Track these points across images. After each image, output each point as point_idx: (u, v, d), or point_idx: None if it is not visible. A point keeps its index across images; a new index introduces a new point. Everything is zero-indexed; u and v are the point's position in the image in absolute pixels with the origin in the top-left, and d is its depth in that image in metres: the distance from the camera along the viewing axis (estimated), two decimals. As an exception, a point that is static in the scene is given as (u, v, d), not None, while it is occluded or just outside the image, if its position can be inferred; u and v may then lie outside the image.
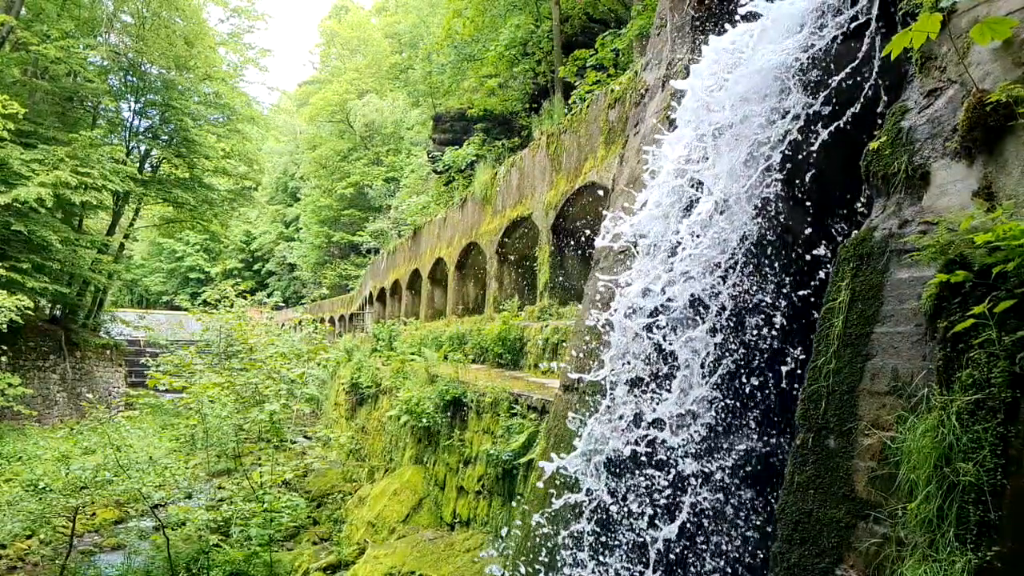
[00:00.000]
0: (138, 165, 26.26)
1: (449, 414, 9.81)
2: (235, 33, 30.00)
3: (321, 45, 60.95)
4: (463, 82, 23.42)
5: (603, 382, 4.72)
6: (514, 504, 7.24)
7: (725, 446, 4.34)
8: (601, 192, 9.70)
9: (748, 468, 4.31)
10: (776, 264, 4.38)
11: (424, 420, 10.08)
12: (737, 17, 4.53)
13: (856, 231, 3.27)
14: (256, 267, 63.27)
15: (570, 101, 13.94)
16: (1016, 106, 2.64)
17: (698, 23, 5.74)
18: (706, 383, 4.29)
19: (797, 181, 4.26)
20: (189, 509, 10.54)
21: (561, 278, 11.52)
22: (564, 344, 8.87)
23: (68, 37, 21.98)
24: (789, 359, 4.19)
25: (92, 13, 24.12)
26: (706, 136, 4.41)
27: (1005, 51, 2.77)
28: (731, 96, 4.27)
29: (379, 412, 14.46)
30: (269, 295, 22.91)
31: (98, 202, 21.89)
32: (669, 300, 4.41)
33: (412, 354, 13.59)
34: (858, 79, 3.72)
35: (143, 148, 27.99)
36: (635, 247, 4.81)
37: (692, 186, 4.53)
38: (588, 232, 11.16)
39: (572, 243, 11.61)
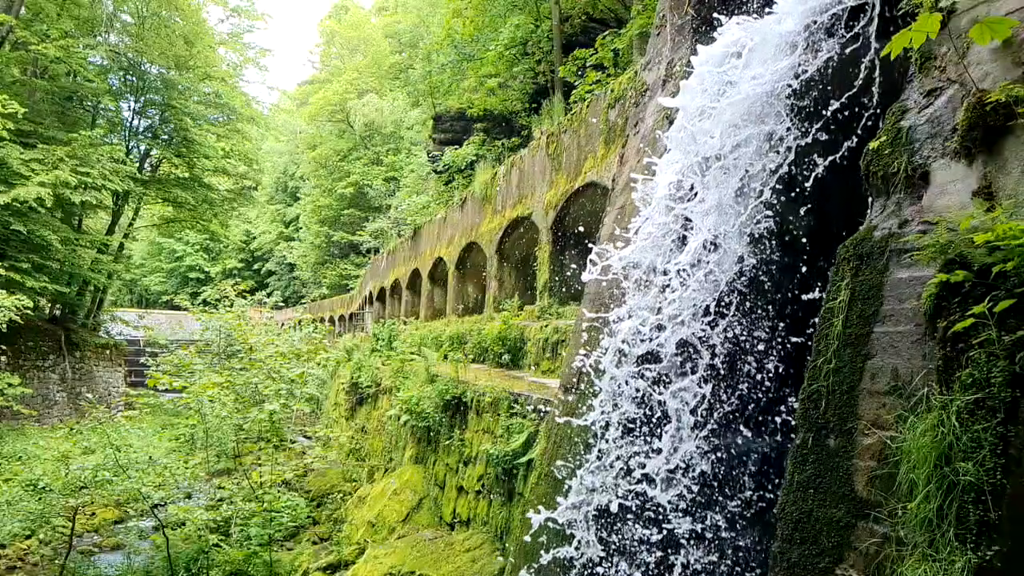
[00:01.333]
0: (138, 165, 26.25)
1: (449, 414, 9.81)
2: (235, 33, 30.03)
3: (321, 45, 60.95)
4: (463, 82, 23.41)
5: (593, 427, 4.48)
6: (514, 503, 7.24)
7: (720, 500, 4.10)
8: (602, 192, 9.70)
9: (743, 522, 4.11)
10: (770, 307, 4.16)
11: (424, 420, 10.07)
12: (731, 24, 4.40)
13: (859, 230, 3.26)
14: (256, 267, 63.26)
15: (570, 101, 13.94)
16: (1016, 106, 2.64)
17: (698, 23, 5.74)
18: (695, 436, 4.06)
19: (791, 217, 4.05)
20: (189, 509, 10.54)
21: (561, 278, 11.51)
22: (564, 344, 8.87)
23: (68, 37, 21.96)
24: (784, 408, 3.97)
25: (92, 13, 24.10)
26: (694, 167, 4.16)
27: (1005, 51, 2.77)
28: (719, 124, 4.02)
29: (379, 412, 14.46)
30: (269, 295, 22.90)
31: (98, 202, 21.90)
32: (659, 346, 4.20)
33: (412, 354, 13.58)
34: (856, 109, 3.54)
35: (143, 148, 27.99)
36: (625, 280, 4.55)
37: (682, 223, 4.29)
38: (588, 232, 11.16)
39: (572, 243, 11.60)
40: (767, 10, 4.21)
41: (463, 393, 9.30)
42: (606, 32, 14.77)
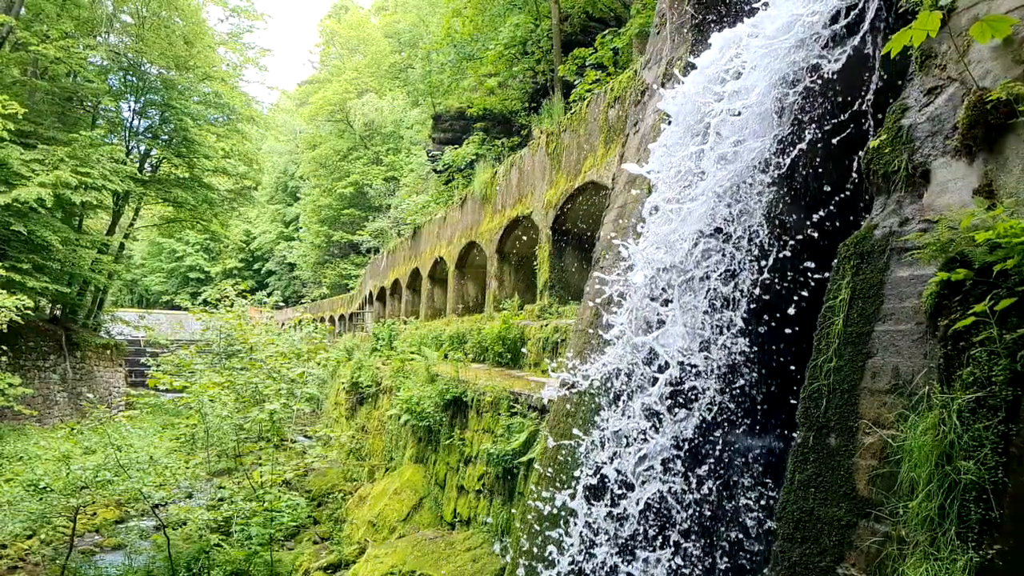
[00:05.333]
0: (138, 165, 26.24)
1: (449, 413, 9.81)
2: (235, 33, 29.99)
3: (321, 45, 60.93)
4: (463, 81, 23.39)
5: None
6: (515, 503, 7.24)
7: None
8: (602, 191, 9.69)
9: None
10: (749, 458, 3.59)
11: (424, 419, 10.07)
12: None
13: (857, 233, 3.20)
14: (256, 267, 63.28)
15: (570, 100, 13.93)
16: (1016, 104, 2.63)
17: (698, 22, 5.73)
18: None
19: (774, 347, 3.52)
20: (190, 509, 10.54)
21: (561, 277, 11.51)
22: (564, 343, 8.86)
23: (68, 37, 21.95)
24: None
25: (92, 13, 24.08)
26: (657, 279, 3.54)
27: (1005, 49, 2.77)
28: (686, 225, 3.43)
29: (379, 411, 14.46)
30: (269, 295, 22.86)
31: (98, 202, 21.88)
32: (624, 510, 3.63)
33: (412, 353, 13.58)
34: (851, 216, 3.14)
35: (143, 148, 27.99)
36: (597, 398, 3.96)
37: (650, 357, 3.67)
38: (588, 231, 11.15)
39: (572, 242, 11.60)
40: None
41: (463, 392, 9.30)
42: (606, 31, 14.76)
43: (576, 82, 14.36)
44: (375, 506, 10.55)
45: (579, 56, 15.09)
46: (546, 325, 10.14)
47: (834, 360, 3.05)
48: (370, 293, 29.58)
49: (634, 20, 12.97)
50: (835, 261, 3.23)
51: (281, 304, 41.60)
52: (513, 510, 7.23)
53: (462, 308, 16.62)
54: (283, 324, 29.34)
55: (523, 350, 10.93)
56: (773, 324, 3.45)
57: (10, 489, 11.36)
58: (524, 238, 13.46)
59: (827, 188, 3.16)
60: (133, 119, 27.31)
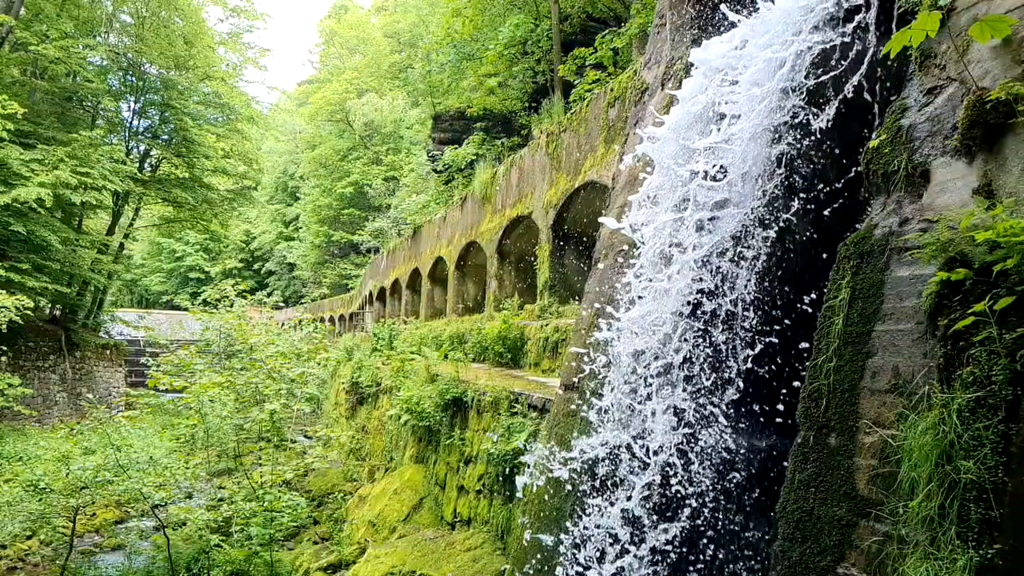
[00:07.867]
0: (138, 165, 26.25)
1: (449, 413, 9.81)
2: (234, 32, 30.00)
3: (320, 44, 60.97)
4: (462, 81, 23.39)
5: None
6: (515, 503, 7.24)
7: None
8: (601, 191, 9.69)
9: None
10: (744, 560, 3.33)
11: (424, 419, 10.07)
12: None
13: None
14: (256, 267, 63.28)
15: (570, 100, 13.94)
16: (1016, 104, 2.63)
17: (699, 22, 5.73)
18: None
19: (765, 443, 3.28)
20: (189, 509, 10.54)
21: (561, 277, 11.52)
22: (564, 343, 8.87)
23: (67, 37, 21.94)
24: None
25: (91, 13, 24.10)
26: (636, 365, 3.20)
27: (1005, 49, 2.77)
28: (664, 305, 3.11)
29: (379, 411, 14.46)
30: (269, 295, 22.79)
31: (98, 202, 21.87)
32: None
33: (412, 353, 13.58)
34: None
35: (143, 148, 27.99)
36: (576, 491, 3.70)
37: (629, 456, 3.36)
38: (588, 231, 11.16)
39: (572, 241, 11.60)
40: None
41: (463, 392, 9.30)
42: (606, 31, 14.76)
43: (576, 82, 14.37)
44: (375, 506, 10.55)
45: (579, 56, 15.09)
46: (546, 325, 10.14)
47: (834, 360, 3.05)
48: (370, 293, 29.57)
49: (634, 20, 12.97)
50: (835, 261, 3.23)
51: (281, 304, 41.57)
52: (513, 510, 7.23)
53: (462, 308, 16.62)
54: (283, 324, 29.32)
55: (524, 350, 10.94)
56: (763, 417, 3.21)
57: (10, 489, 11.35)
58: (524, 238, 13.47)
59: (824, 256, 2.92)
60: (133, 119, 27.35)
